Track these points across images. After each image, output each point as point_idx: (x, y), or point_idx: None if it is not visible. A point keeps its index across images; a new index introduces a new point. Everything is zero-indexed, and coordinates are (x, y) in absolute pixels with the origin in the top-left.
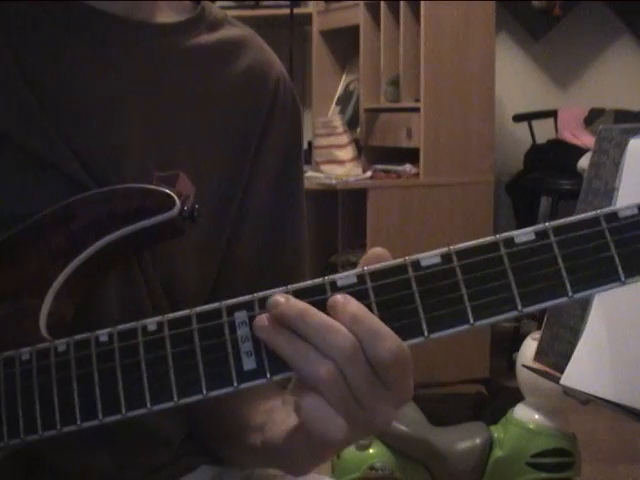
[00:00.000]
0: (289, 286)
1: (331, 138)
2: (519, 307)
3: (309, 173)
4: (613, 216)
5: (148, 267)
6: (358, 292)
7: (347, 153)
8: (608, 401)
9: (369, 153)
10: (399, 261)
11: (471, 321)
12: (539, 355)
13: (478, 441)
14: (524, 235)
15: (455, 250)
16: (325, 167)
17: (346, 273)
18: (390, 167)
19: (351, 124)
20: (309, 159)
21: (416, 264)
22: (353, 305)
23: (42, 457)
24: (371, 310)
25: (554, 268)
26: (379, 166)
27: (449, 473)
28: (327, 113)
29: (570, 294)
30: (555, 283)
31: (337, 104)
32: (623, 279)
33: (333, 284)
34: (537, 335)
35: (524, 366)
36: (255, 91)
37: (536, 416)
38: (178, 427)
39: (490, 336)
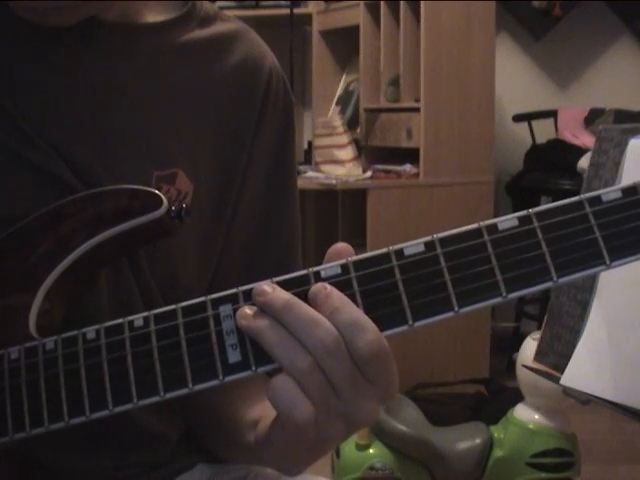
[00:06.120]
0: (273, 278)
1: (331, 138)
2: (503, 293)
3: (309, 173)
4: (597, 200)
5: (141, 268)
6: (342, 282)
7: (347, 153)
8: (608, 401)
9: (369, 153)
10: (383, 250)
11: (455, 308)
12: (539, 355)
13: (478, 441)
14: (507, 221)
15: (439, 238)
16: (325, 167)
17: (330, 264)
18: (390, 167)
19: (351, 124)
20: (309, 159)
21: (399, 253)
22: (335, 295)
23: (38, 457)
24: (355, 300)
25: (538, 253)
26: (379, 166)
27: (449, 473)
28: (327, 113)
29: (555, 279)
30: (539, 268)
31: (337, 104)
32: (608, 262)
33: (317, 275)
34: (537, 335)
35: (524, 366)
36: (248, 84)
37: (536, 416)
38: (174, 426)
39: (490, 336)
